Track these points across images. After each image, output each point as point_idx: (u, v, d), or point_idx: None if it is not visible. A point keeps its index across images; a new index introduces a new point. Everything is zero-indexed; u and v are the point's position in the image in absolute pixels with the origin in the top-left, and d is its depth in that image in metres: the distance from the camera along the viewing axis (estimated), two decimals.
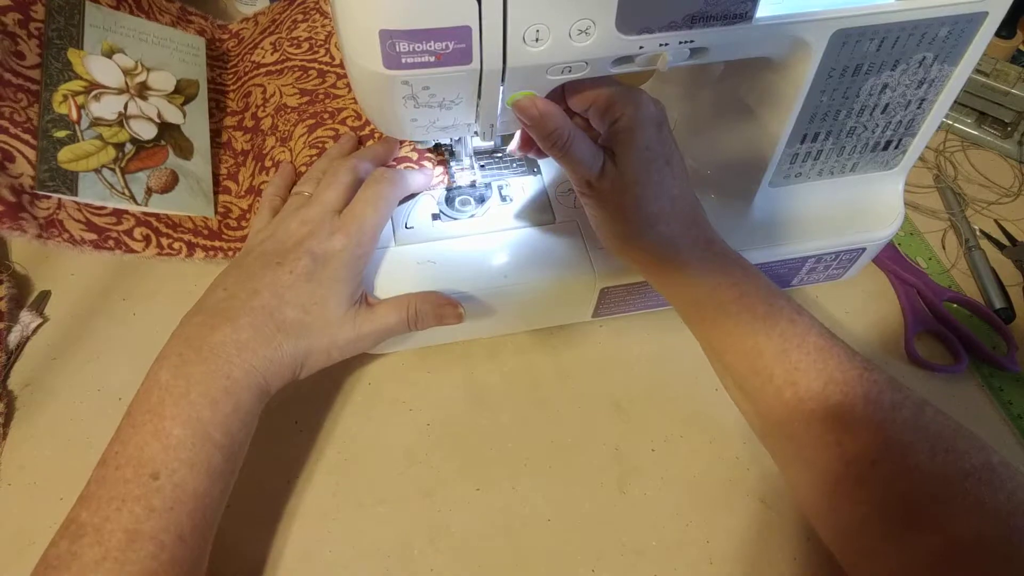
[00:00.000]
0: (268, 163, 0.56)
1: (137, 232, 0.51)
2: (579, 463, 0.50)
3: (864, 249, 0.53)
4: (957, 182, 0.68)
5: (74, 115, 0.51)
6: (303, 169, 0.52)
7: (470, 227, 0.50)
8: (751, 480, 0.50)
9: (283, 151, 0.55)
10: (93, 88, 0.53)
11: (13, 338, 0.52)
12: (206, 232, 0.55)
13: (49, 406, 0.50)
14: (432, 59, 0.35)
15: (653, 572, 0.46)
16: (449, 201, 0.51)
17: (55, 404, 0.51)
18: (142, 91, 0.56)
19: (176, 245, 0.53)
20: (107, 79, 0.54)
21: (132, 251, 0.51)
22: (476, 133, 0.43)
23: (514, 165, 0.54)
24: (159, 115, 0.56)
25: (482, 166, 0.53)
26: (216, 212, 0.56)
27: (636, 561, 0.46)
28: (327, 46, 0.61)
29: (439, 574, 0.45)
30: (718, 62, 0.41)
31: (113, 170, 0.52)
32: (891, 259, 0.61)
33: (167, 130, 0.56)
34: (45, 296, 0.55)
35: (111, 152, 0.52)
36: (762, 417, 0.40)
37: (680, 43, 0.37)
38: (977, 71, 0.67)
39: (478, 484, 0.49)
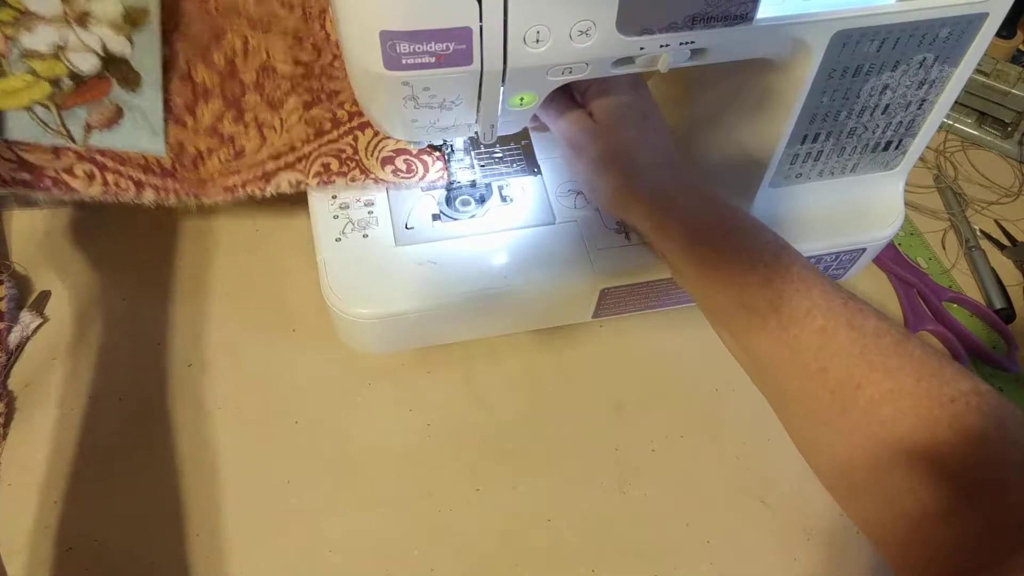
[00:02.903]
0: (248, 118, 0.52)
1: (78, 169, 0.48)
2: (579, 463, 0.50)
3: (864, 249, 0.53)
4: (957, 182, 0.68)
5: (1, 47, 0.46)
6: (297, 144, 0.51)
7: (470, 227, 0.50)
8: (751, 480, 0.50)
9: (272, 116, 0.52)
10: (24, 17, 0.47)
11: (13, 338, 0.52)
12: (158, 170, 0.50)
13: (49, 406, 0.50)
14: (432, 60, 0.35)
15: (653, 572, 0.46)
16: (449, 201, 0.51)
17: (55, 404, 0.51)
18: (83, 20, 0.49)
19: (123, 183, 0.49)
20: (41, 7, 0.48)
21: (72, 190, 0.47)
22: (476, 134, 0.43)
23: (514, 165, 0.54)
24: (103, 47, 0.49)
25: (482, 166, 0.53)
26: (167, 148, 0.51)
27: (636, 561, 0.47)
28: (321, 21, 0.58)
29: (439, 574, 0.46)
30: (719, 63, 0.41)
31: (47, 107, 0.47)
32: (891, 259, 0.61)
33: (111, 62, 0.49)
34: (45, 296, 0.55)
35: (45, 87, 0.47)
36: (750, 355, 0.40)
37: (681, 44, 0.37)
38: (977, 71, 0.67)
39: (478, 484, 0.49)
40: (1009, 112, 0.68)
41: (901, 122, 0.47)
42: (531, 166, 0.54)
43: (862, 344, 0.35)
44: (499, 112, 0.40)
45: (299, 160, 0.50)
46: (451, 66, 0.35)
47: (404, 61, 0.35)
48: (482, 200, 0.52)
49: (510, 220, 0.51)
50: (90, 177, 0.48)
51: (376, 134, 0.51)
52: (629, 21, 0.35)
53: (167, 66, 0.52)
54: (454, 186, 0.52)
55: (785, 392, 0.38)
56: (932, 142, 0.69)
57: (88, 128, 0.48)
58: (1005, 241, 0.64)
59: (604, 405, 0.53)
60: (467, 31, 0.34)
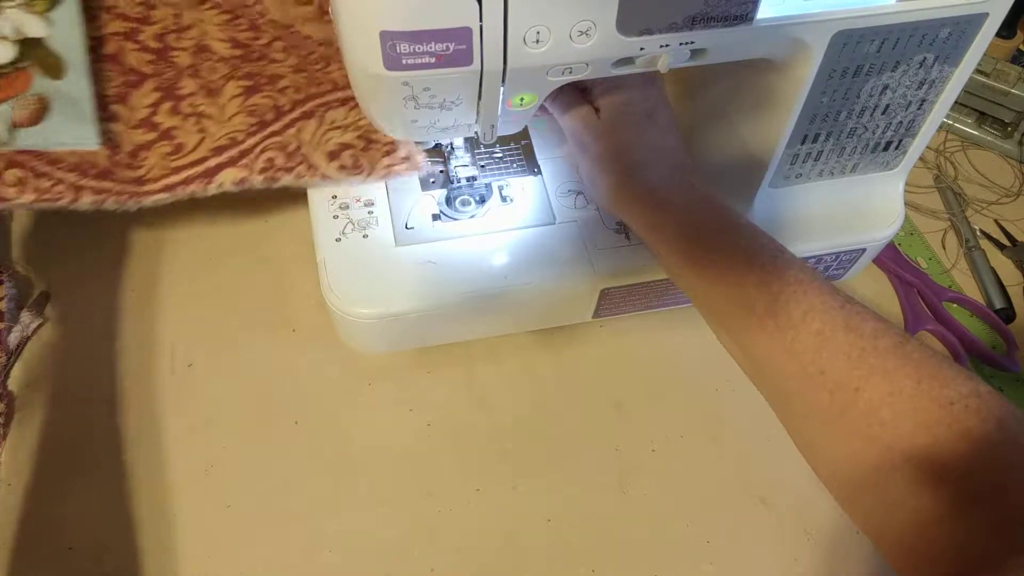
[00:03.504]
0: (187, 108, 0.49)
1: (8, 175, 0.45)
2: (579, 463, 0.50)
3: (864, 250, 0.53)
4: (957, 182, 0.68)
5: None
6: (237, 135, 0.49)
7: (470, 228, 0.50)
8: (751, 480, 0.50)
9: (210, 105, 0.50)
10: None
11: (13, 338, 0.52)
12: (93, 171, 0.47)
13: (49, 406, 0.50)
14: (432, 60, 0.35)
15: (653, 572, 0.46)
16: (449, 201, 0.51)
17: (55, 404, 0.51)
18: None
19: (58, 188, 0.46)
20: None
21: (3, 199, 0.44)
22: (476, 134, 0.43)
23: (514, 165, 0.54)
24: (16, 31, 0.45)
25: (482, 166, 0.53)
26: (100, 141, 0.47)
27: (636, 561, 0.47)
28: None
29: (439, 574, 0.46)
30: (719, 63, 0.41)
31: None
32: (891, 259, 0.61)
33: (28, 47, 0.46)
34: (45, 297, 0.55)
35: None
36: (748, 356, 0.39)
37: (680, 44, 0.37)
38: (977, 71, 0.67)
39: (478, 484, 0.49)
40: (1009, 112, 0.68)
41: (901, 122, 0.47)
42: (531, 166, 0.54)
43: (860, 347, 0.35)
44: (499, 112, 0.40)
45: (242, 155, 0.48)
46: (451, 66, 0.35)
47: (404, 61, 0.35)
48: (482, 200, 0.52)
49: (510, 220, 0.51)
50: (22, 183, 0.45)
51: (321, 125, 0.50)
52: (629, 21, 0.35)
53: (95, 48, 0.48)
54: (454, 186, 0.52)
55: (784, 393, 0.38)
56: (932, 142, 0.69)
57: (13, 126, 0.45)
58: (1005, 241, 0.64)
59: (604, 405, 0.53)
60: (467, 31, 0.34)
